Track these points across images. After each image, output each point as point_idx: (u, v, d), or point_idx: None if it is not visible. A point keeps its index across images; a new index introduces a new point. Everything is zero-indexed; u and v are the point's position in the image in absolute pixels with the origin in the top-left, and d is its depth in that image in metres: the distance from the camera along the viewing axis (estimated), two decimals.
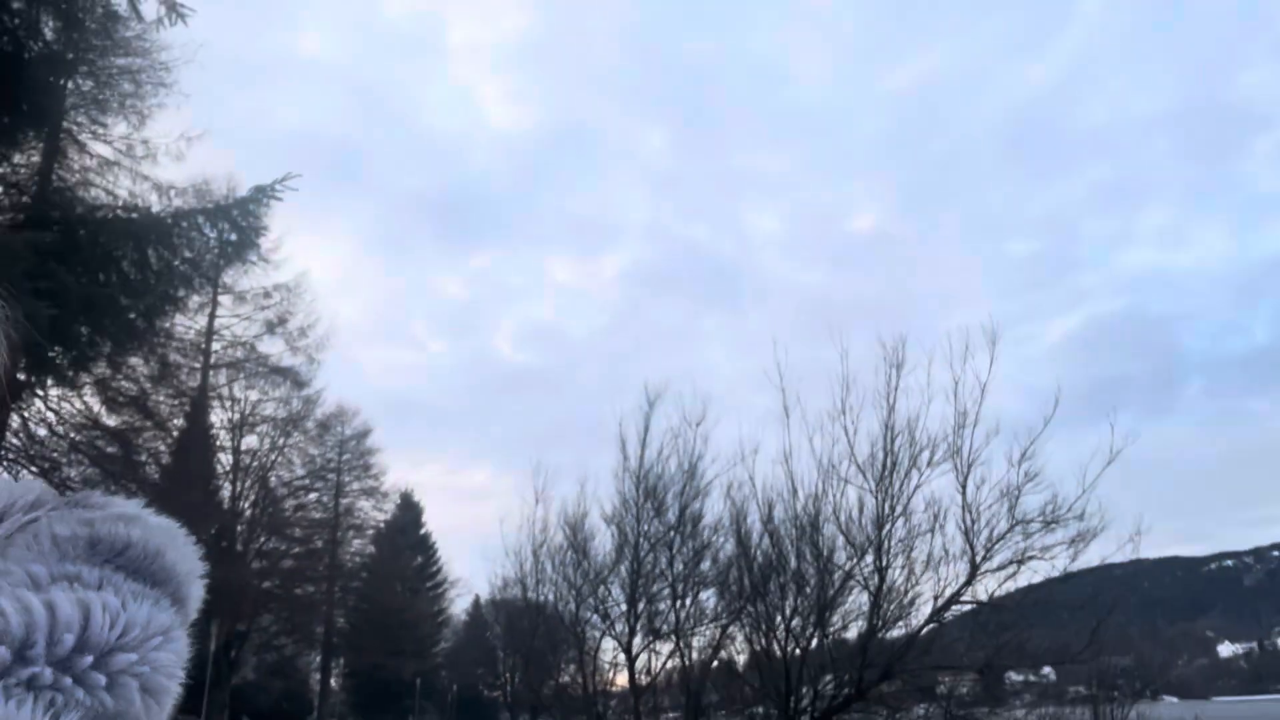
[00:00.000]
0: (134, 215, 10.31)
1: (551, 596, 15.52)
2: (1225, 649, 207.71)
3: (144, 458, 23.95)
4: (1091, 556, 9.79)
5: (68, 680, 0.58)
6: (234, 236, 10.32)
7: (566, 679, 17.23)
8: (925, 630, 10.14)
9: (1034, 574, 10.64)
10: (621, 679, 15.91)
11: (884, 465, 9.75)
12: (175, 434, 26.14)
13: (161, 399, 25.53)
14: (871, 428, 10.29)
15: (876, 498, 9.79)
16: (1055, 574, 10.23)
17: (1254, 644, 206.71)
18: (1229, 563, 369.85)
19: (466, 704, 59.83)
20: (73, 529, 0.72)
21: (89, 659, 0.60)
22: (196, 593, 0.76)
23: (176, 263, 9.48)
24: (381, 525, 48.30)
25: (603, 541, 15.39)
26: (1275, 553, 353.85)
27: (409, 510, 52.96)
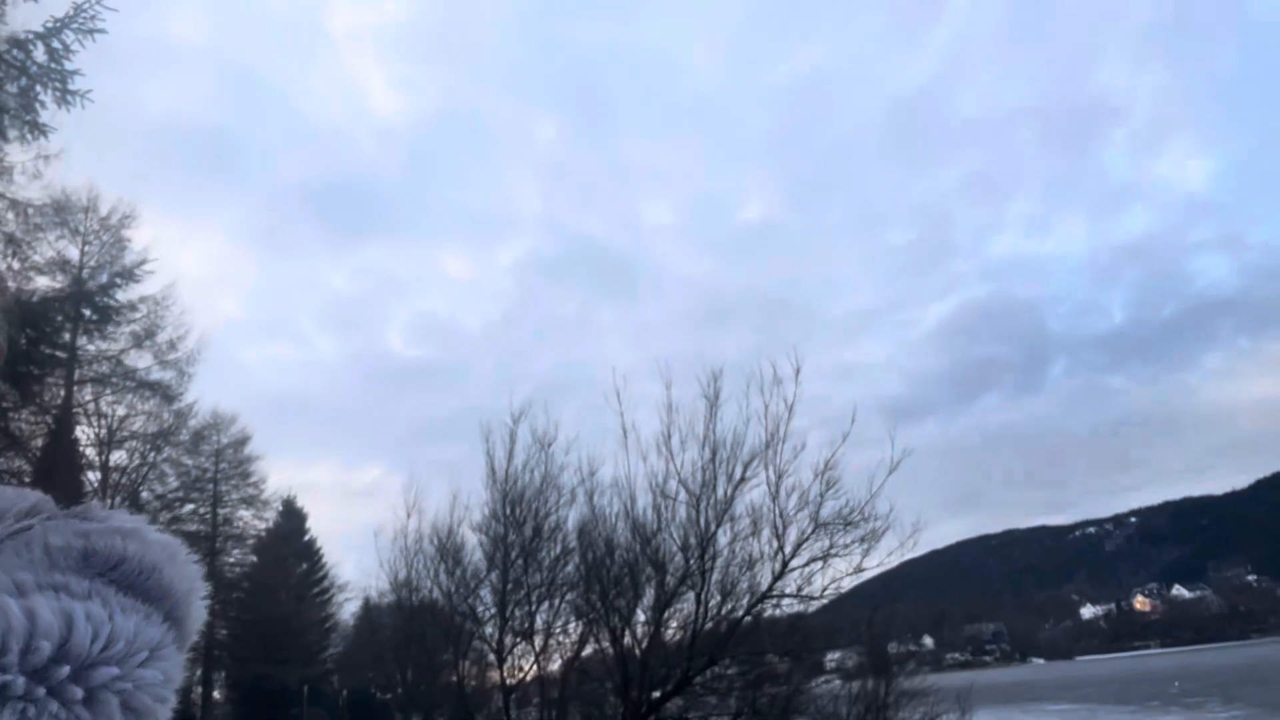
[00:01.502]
0: None
1: (436, 596, 16.39)
2: (1088, 611, 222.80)
3: (4, 480, 23.51)
4: (881, 553, 11.24)
5: (41, 691, 0.55)
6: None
7: (453, 679, 18.16)
8: (745, 621, 11.54)
9: (896, 563, 12.12)
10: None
11: (703, 482, 11.12)
12: (37, 454, 25.68)
13: (22, 419, 25.06)
14: (705, 447, 11.61)
15: (698, 510, 11.15)
16: (876, 568, 11.73)
17: (1112, 605, 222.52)
18: (1091, 530, 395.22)
19: (358, 707, 59.49)
20: (67, 540, 0.71)
21: (66, 670, 0.57)
22: (196, 612, 0.75)
23: None
24: (263, 534, 47.66)
25: (474, 549, 16.38)
26: (1133, 519, 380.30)
27: (292, 517, 52.30)
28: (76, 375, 30.33)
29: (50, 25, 6.69)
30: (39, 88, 6.84)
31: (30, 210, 23.60)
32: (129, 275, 31.20)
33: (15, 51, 6.55)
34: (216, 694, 52.09)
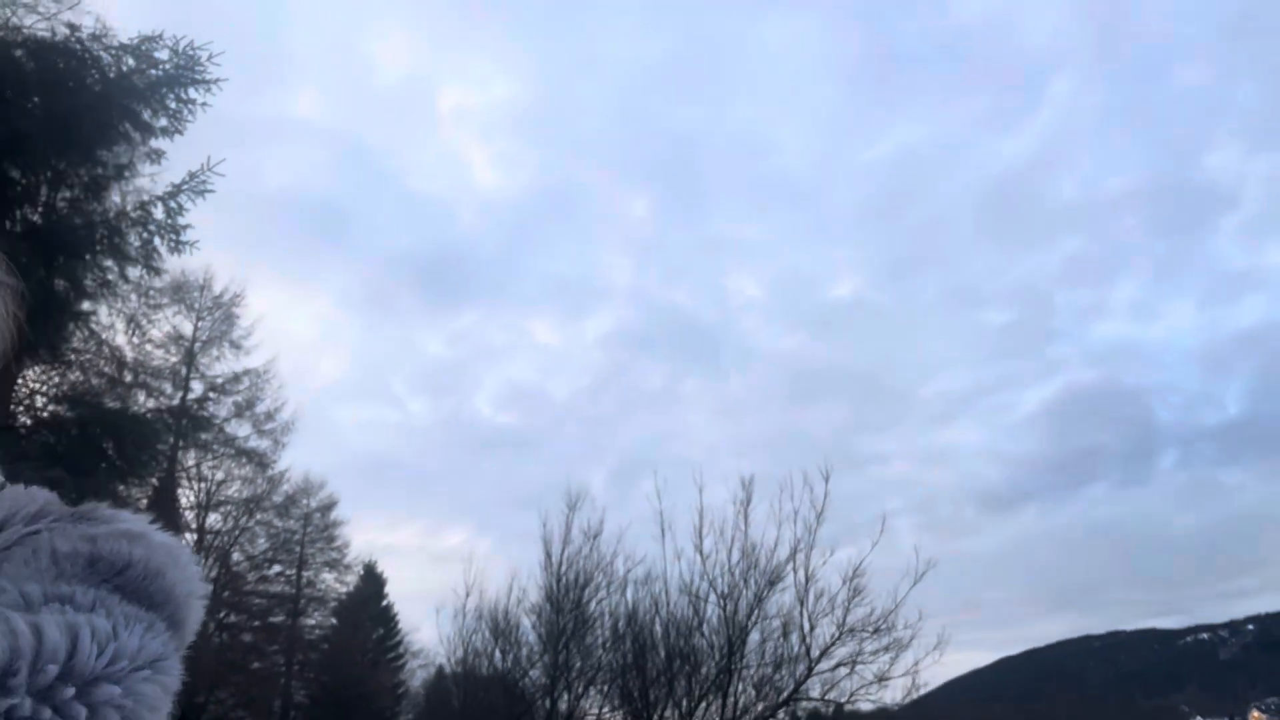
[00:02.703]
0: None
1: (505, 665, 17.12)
2: None
3: None
4: (905, 663, 11.51)
5: (47, 712, 0.56)
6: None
7: None
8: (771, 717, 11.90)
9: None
10: None
11: (730, 584, 11.68)
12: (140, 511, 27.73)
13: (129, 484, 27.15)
14: (733, 550, 12.22)
15: (726, 610, 11.68)
16: (896, 676, 11.99)
17: (1226, 719, 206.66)
18: (1204, 636, 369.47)
19: None
20: (74, 545, 0.71)
21: (71, 690, 0.58)
22: (195, 614, 0.76)
23: None
24: (344, 597, 49.33)
25: (529, 630, 17.14)
26: (1250, 626, 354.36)
27: (372, 582, 53.89)
28: (182, 442, 32.71)
29: (169, 189, 8.10)
30: (157, 240, 8.22)
31: (152, 291, 26.03)
32: (237, 347, 33.77)
33: (139, 212, 7.94)
34: None
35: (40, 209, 7.69)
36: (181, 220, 8.15)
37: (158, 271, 8.50)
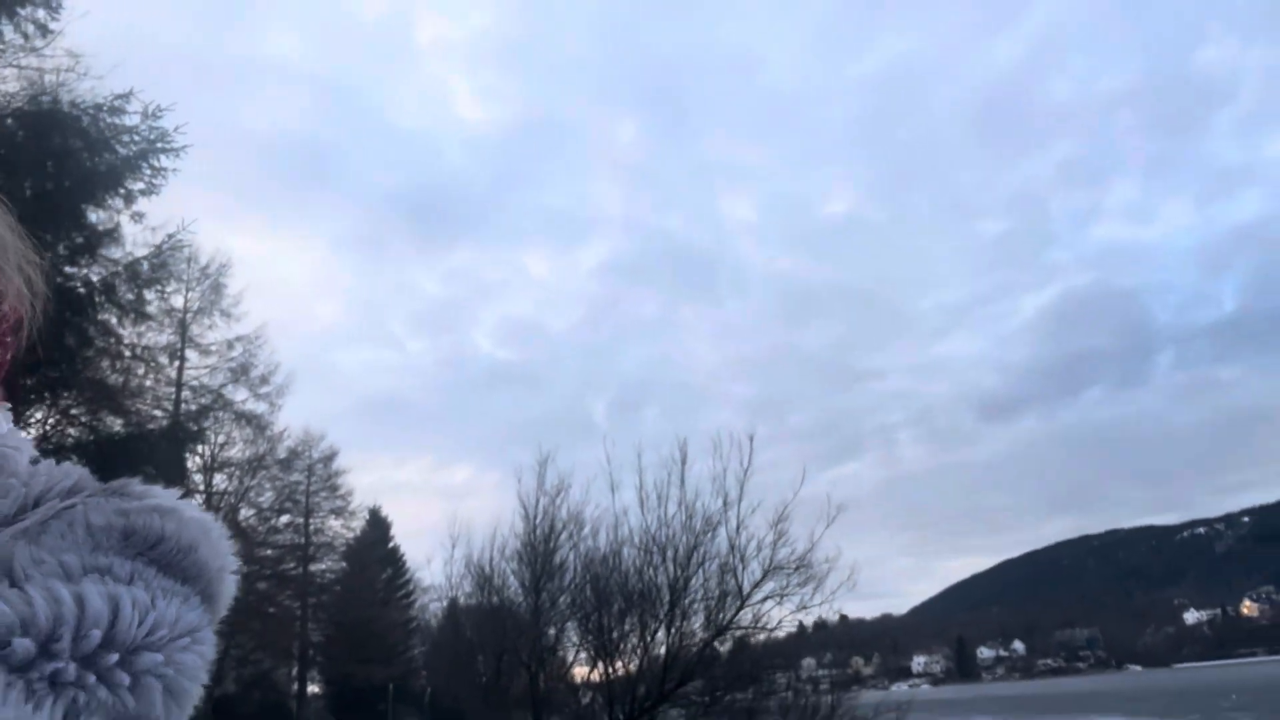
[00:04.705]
0: None
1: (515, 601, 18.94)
2: (1191, 616, 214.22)
3: None
4: (823, 594, 13.31)
5: (91, 678, 0.57)
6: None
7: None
8: (707, 649, 13.83)
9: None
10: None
11: (669, 536, 13.51)
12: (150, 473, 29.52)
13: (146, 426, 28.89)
14: (668, 504, 13.95)
15: (667, 558, 13.52)
16: (815, 605, 13.79)
17: (1218, 610, 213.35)
18: (1201, 530, 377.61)
19: (440, 703, 63.29)
20: (108, 519, 0.72)
21: (115, 657, 0.59)
22: (228, 589, 0.78)
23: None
24: (351, 541, 51.74)
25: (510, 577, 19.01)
26: (1246, 519, 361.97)
27: (377, 526, 56.35)
28: (182, 409, 34.39)
29: (151, 250, 9.33)
30: (147, 293, 9.51)
31: (141, 271, 27.32)
32: (228, 315, 35.14)
33: (129, 270, 9.20)
34: (315, 689, 56.60)
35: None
36: (162, 275, 9.49)
37: (148, 318, 9.82)
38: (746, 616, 13.72)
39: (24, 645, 0.56)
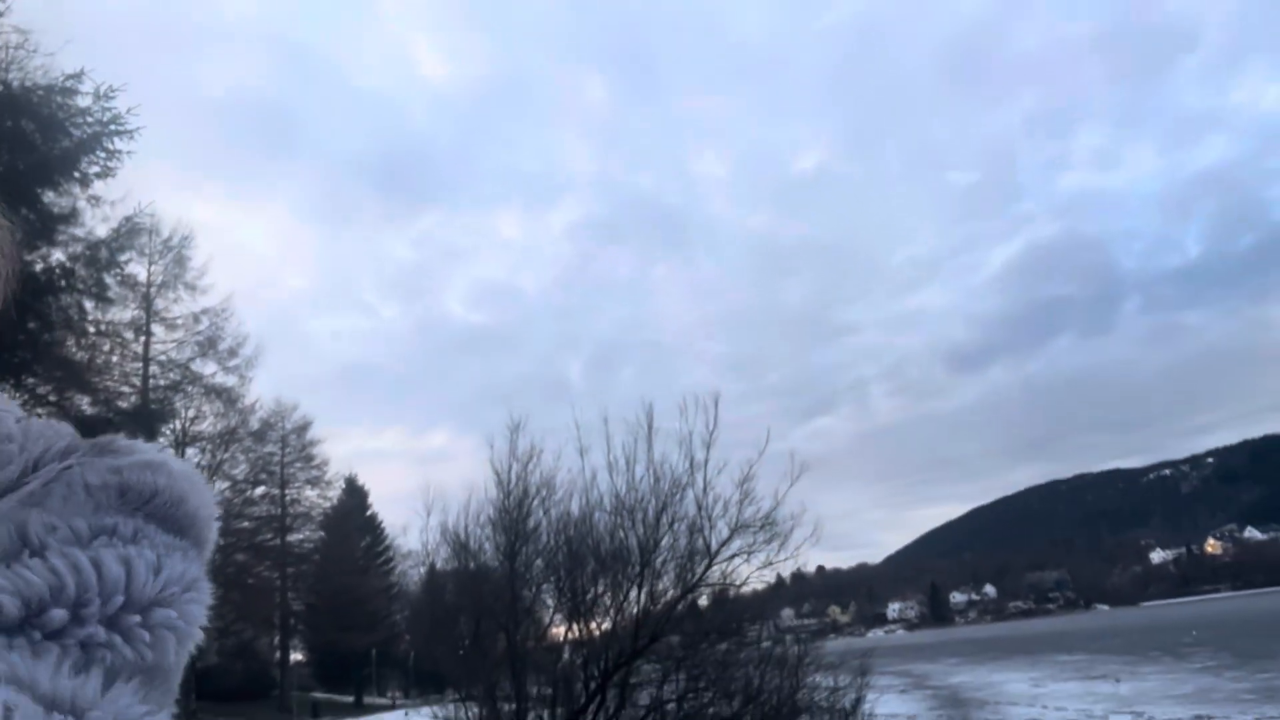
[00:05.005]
0: None
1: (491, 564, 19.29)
2: (1157, 555, 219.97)
3: None
4: (788, 550, 13.70)
5: (118, 638, 0.62)
6: None
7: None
8: (678, 606, 14.21)
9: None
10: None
11: (638, 499, 13.80)
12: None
13: (112, 415, 28.72)
14: (636, 467, 14.23)
15: (635, 520, 13.81)
16: (780, 561, 14.17)
17: (1183, 549, 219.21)
18: (1167, 472, 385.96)
19: (423, 667, 64.08)
20: (103, 478, 0.74)
21: (136, 617, 0.64)
22: (213, 535, 0.81)
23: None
24: (329, 511, 51.86)
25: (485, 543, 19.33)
26: (1210, 460, 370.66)
27: (354, 495, 56.48)
28: (150, 383, 34.10)
29: (111, 234, 9.25)
30: (105, 276, 9.52)
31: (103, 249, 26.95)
32: (193, 288, 34.77)
33: (88, 253, 9.16)
34: (299, 656, 57.08)
35: None
36: (122, 257, 9.48)
37: (110, 302, 9.83)
38: (715, 574, 14.08)
39: (60, 615, 0.60)
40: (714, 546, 13.89)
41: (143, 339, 33.04)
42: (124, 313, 31.15)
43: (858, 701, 14.75)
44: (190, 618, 0.69)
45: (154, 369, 33.85)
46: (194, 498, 0.79)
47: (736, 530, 13.80)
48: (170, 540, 0.73)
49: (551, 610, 16.56)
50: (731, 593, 14.98)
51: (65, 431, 0.84)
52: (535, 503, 16.54)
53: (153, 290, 34.46)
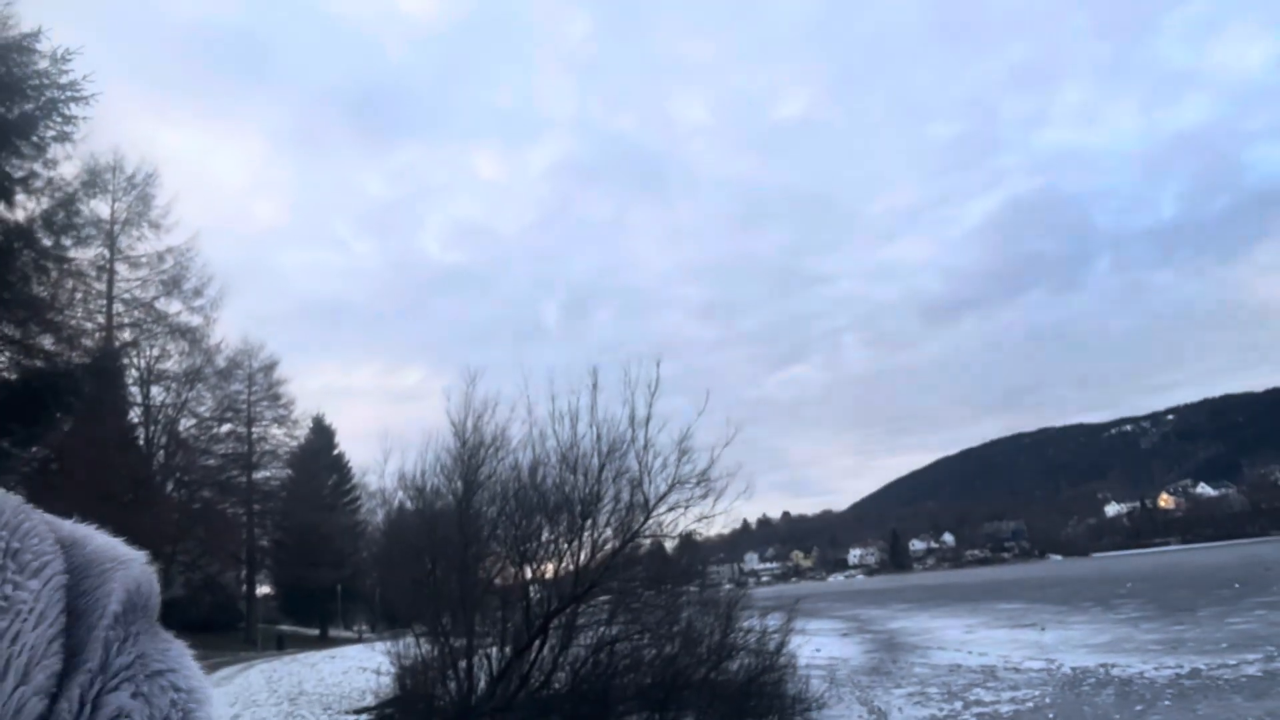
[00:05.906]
0: None
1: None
2: (1112, 508, 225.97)
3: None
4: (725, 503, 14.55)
5: None
6: None
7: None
8: (618, 555, 15.05)
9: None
10: None
11: (580, 455, 14.58)
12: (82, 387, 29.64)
13: (72, 360, 28.95)
14: (579, 423, 14.97)
15: (584, 473, 14.65)
16: (714, 515, 15.01)
17: (1137, 503, 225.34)
18: (1128, 428, 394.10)
19: (388, 602, 65.41)
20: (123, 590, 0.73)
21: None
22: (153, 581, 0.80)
23: None
24: (296, 450, 52.38)
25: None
26: (1170, 417, 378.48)
27: (321, 434, 56.95)
28: (115, 321, 34.18)
29: (67, 195, 9.65)
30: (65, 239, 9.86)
31: (68, 188, 26.87)
32: (157, 226, 34.65)
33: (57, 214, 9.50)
34: (267, 589, 58.04)
35: None
36: (79, 220, 9.83)
37: (68, 261, 10.18)
38: (652, 525, 14.92)
39: None
40: (652, 500, 14.72)
41: (106, 277, 33.06)
42: (87, 251, 31.19)
43: (781, 644, 15.79)
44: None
45: (118, 307, 33.96)
46: (150, 591, 0.78)
47: (674, 486, 14.64)
48: (168, 644, 0.76)
49: (502, 555, 17.39)
50: (688, 540, 15.91)
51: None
52: (490, 452, 17.31)
53: (116, 228, 34.35)
